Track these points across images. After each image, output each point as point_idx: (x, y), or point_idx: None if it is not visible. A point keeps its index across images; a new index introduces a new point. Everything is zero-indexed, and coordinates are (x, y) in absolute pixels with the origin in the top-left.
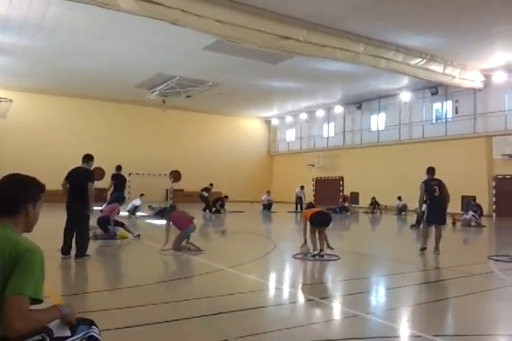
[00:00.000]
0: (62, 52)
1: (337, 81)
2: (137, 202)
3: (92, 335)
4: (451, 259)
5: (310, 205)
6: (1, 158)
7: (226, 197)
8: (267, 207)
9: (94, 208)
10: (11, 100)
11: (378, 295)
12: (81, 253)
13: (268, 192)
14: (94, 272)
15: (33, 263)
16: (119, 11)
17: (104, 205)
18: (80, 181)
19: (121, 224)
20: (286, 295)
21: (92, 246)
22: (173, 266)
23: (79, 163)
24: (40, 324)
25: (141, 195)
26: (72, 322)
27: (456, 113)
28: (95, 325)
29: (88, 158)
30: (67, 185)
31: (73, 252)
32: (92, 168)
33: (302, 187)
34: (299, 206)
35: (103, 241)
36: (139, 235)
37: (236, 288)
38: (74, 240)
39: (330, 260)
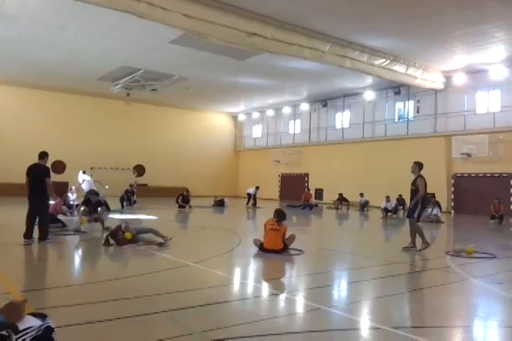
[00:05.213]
0: (21, 41)
1: (303, 79)
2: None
3: (49, 326)
4: (411, 254)
5: (282, 216)
6: None
7: (187, 191)
8: (219, 203)
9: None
10: None
11: (340, 289)
12: (43, 236)
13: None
14: (56, 267)
15: None
16: (85, 2)
17: None
18: (39, 177)
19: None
20: (250, 289)
21: (57, 240)
22: (137, 262)
23: (35, 157)
24: None
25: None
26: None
27: (418, 112)
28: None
29: (43, 155)
30: (27, 180)
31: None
32: (47, 163)
33: (257, 188)
34: (251, 201)
35: (64, 235)
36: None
37: (201, 283)
38: (37, 226)
39: (294, 255)
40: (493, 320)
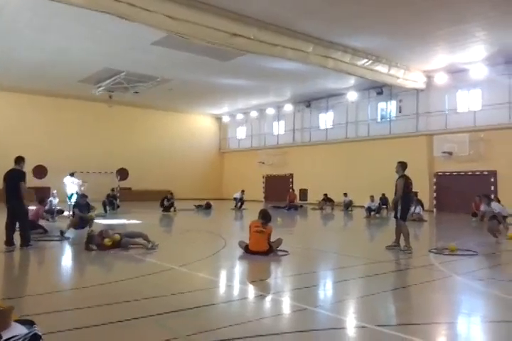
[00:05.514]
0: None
1: (287, 80)
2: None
3: (36, 333)
4: (395, 253)
5: (267, 217)
6: None
7: (171, 193)
8: (207, 206)
9: (30, 208)
10: None
11: (326, 289)
12: (25, 242)
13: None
14: (39, 273)
15: None
16: (66, 4)
17: None
18: (14, 182)
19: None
20: (236, 291)
21: (39, 246)
22: (122, 266)
23: (12, 162)
24: None
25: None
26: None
27: (400, 112)
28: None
29: (19, 160)
30: (4, 186)
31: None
32: (25, 168)
33: (243, 191)
34: (239, 204)
35: (48, 241)
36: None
37: (186, 286)
38: (18, 232)
39: (279, 256)
40: (477, 315)
